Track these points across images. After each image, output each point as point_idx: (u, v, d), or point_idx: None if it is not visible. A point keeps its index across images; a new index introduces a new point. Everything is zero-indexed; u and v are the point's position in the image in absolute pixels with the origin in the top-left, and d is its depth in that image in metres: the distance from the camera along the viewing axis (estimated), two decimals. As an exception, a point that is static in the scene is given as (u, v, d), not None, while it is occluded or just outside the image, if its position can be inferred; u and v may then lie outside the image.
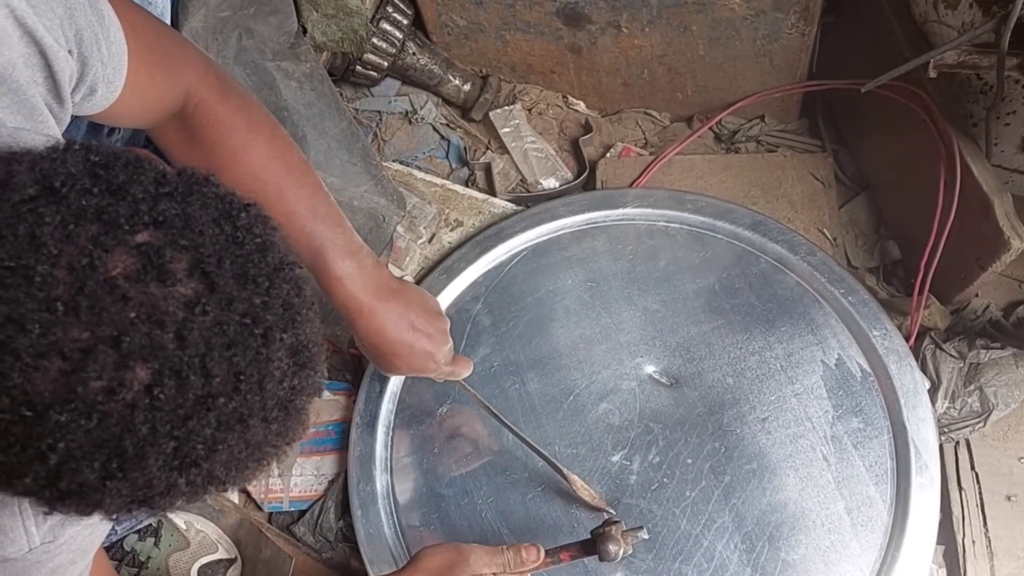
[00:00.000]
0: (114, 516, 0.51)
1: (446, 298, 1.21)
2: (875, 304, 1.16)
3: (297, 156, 0.90)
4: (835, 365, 1.13)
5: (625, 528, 0.93)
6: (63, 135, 0.73)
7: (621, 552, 0.91)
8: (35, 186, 0.47)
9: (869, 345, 1.13)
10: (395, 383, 1.17)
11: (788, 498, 1.06)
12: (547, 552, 0.93)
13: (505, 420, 1.06)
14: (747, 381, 1.13)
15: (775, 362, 1.14)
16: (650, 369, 1.15)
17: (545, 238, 1.25)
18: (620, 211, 1.26)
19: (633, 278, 1.21)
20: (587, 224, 1.26)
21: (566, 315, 1.19)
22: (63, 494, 0.48)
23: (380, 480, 1.12)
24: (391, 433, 1.15)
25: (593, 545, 0.92)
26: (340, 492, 1.14)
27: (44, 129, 0.63)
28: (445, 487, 1.11)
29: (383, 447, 1.14)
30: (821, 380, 1.13)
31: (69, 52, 0.65)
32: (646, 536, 0.94)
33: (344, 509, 1.13)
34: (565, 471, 1.05)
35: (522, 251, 1.24)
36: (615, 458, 1.10)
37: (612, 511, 1.06)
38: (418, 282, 1.25)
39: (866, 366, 1.13)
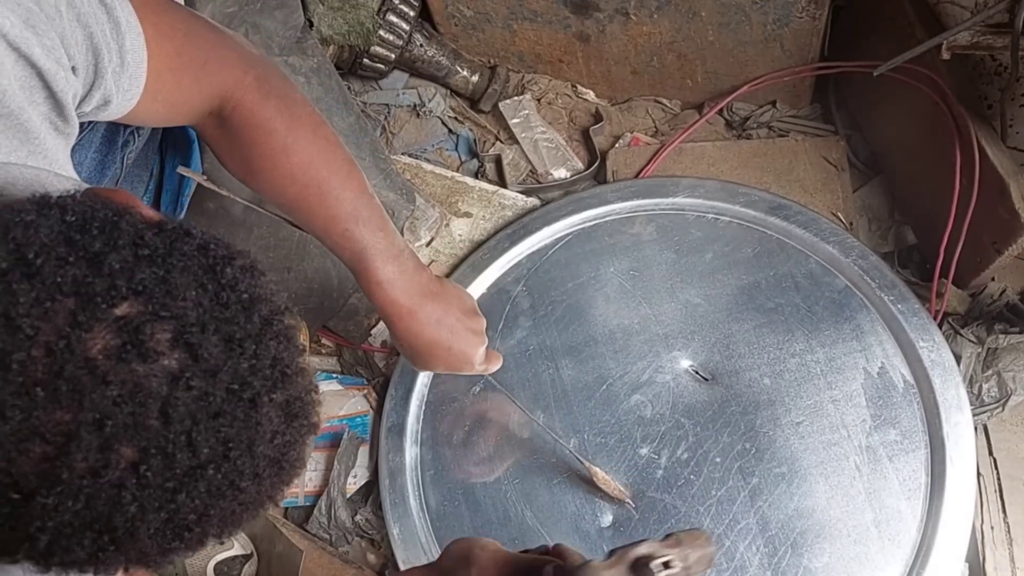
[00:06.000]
0: (112, 574, 0.51)
1: (487, 278, 1.22)
2: (925, 314, 1.13)
3: (341, 157, 0.88)
4: (877, 374, 1.11)
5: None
6: (76, 145, 0.72)
7: None
8: (8, 259, 0.46)
9: (915, 356, 1.10)
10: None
11: (816, 505, 1.05)
12: None
13: (529, 413, 1.07)
14: (785, 383, 1.11)
15: (815, 366, 1.12)
16: (686, 363, 1.14)
17: (591, 223, 1.24)
18: (670, 200, 1.24)
19: (677, 269, 1.20)
20: (635, 211, 1.24)
21: (606, 303, 1.19)
22: (56, 566, 0.48)
23: (410, 452, 1.14)
24: (423, 407, 1.16)
25: None
26: (342, 482, 1.15)
27: (39, 151, 0.63)
28: (473, 464, 1.12)
29: (415, 419, 1.16)
30: (861, 388, 1.10)
31: (73, 69, 0.64)
32: None
33: (363, 502, 1.16)
34: (587, 463, 1.06)
35: (567, 235, 1.24)
36: (643, 451, 1.10)
37: (632, 503, 1.06)
38: (460, 263, 1.25)
39: (909, 377, 1.10)
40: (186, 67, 0.77)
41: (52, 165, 0.64)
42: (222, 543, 0.52)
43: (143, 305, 0.47)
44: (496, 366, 1.03)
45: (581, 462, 1.06)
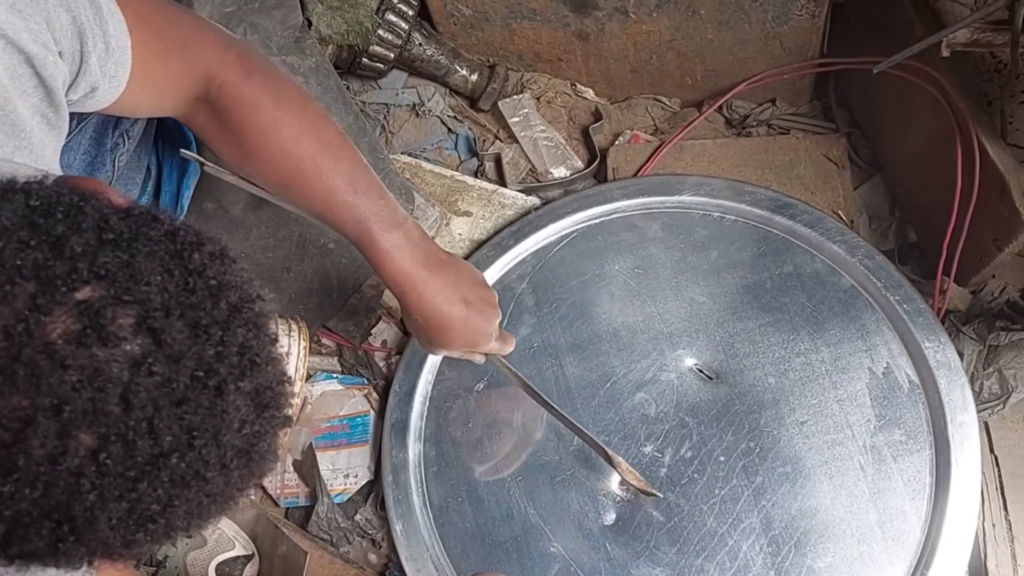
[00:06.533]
0: (76, 567, 0.50)
1: (492, 274, 1.21)
2: (931, 314, 1.12)
3: (331, 129, 0.87)
4: (882, 374, 1.11)
5: None
6: (64, 147, 0.70)
7: None
8: None
9: (920, 356, 1.10)
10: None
11: (820, 505, 1.05)
12: None
13: (548, 399, 1.05)
14: (789, 382, 1.11)
15: (820, 365, 1.12)
16: (691, 362, 1.14)
17: (596, 221, 1.24)
18: (676, 198, 1.24)
19: (682, 268, 1.19)
20: (640, 209, 1.24)
21: (610, 300, 1.18)
22: (15, 557, 0.47)
23: (413, 448, 1.14)
24: (427, 403, 1.16)
25: None
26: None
27: (25, 146, 0.61)
28: (476, 462, 1.12)
29: (419, 416, 1.16)
30: (866, 388, 1.10)
31: (60, 54, 0.63)
32: None
33: (363, 502, 1.16)
34: (610, 452, 1.04)
35: (572, 233, 1.23)
36: (647, 449, 1.09)
37: (659, 494, 1.05)
38: (466, 258, 1.25)
39: (915, 377, 1.10)
40: (170, 50, 0.76)
41: (39, 161, 0.63)
42: (191, 536, 0.50)
43: (105, 289, 0.45)
44: (510, 347, 1.01)
45: (604, 451, 1.04)
